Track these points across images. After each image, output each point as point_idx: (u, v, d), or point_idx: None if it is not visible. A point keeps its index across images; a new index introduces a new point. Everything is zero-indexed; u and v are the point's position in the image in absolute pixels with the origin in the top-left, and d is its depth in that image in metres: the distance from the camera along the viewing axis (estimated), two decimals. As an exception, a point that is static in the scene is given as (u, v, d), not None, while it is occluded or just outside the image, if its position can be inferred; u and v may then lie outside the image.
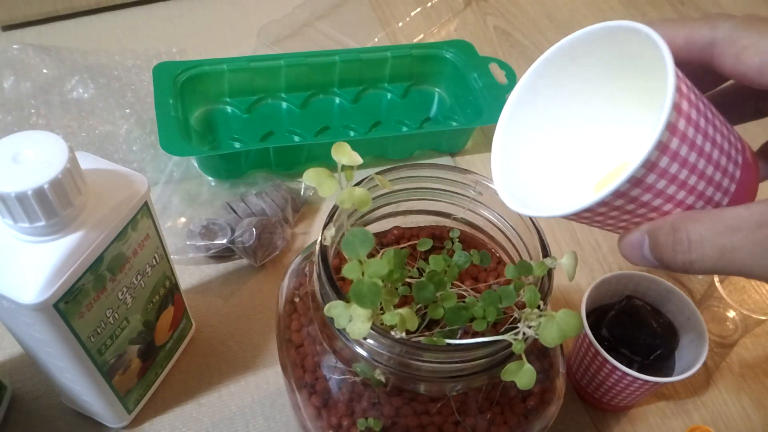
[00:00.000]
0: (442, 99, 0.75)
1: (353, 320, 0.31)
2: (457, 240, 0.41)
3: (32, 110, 0.66)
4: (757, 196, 0.29)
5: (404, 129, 0.71)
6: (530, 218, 0.36)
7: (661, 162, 0.24)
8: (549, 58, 0.30)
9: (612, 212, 0.26)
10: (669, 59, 0.24)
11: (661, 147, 0.24)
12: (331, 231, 0.34)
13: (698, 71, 0.29)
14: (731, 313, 0.57)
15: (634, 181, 0.25)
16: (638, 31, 0.26)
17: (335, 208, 0.35)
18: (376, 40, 0.81)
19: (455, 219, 0.41)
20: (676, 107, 0.24)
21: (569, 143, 0.32)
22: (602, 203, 0.25)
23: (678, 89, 0.24)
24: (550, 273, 0.34)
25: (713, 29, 0.27)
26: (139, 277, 0.41)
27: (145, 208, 0.40)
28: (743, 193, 0.28)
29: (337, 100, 0.73)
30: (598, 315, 0.50)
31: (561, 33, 0.33)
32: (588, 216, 0.27)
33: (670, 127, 0.24)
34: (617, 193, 0.25)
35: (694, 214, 0.26)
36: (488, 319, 0.34)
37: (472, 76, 0.70)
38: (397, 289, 0.35)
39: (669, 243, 0.26)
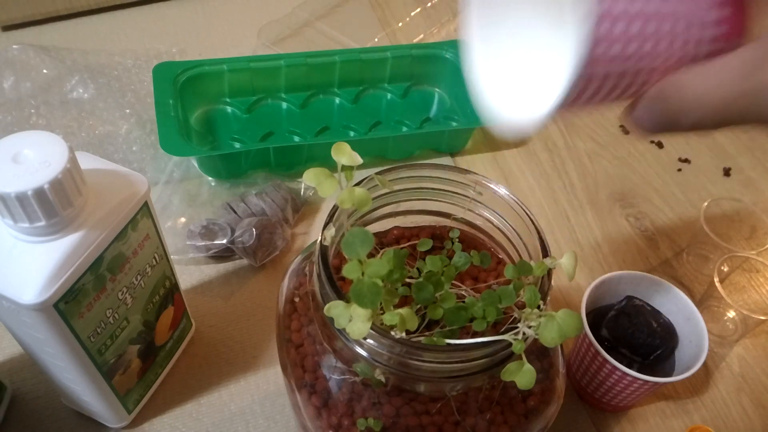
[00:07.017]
0: (442, 99, 0.75)
1: (353, 320, 0.31)
2: (457, 240, 0.41)
3: (32, 110, 0.66)
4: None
5: (404, 129, 0.71)
6: (530, 218, 0.36)
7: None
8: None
9: (599, 84, 0.25)
10: None
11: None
12: (331, 231, 0.34)
13: None
14: (731, 313, 0.57)
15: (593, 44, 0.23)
16: None
17: (335, 208, 0.35)
18: (376, 40, 0.81)
19: (455, 219, 0.41)
20: None
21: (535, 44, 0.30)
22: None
23: None
24: (549, 273, 0.34)
25: None
26: (139, 277, 0.41)
27: (145, 208, 0.40)
28: (736, 29, 0.26)
29: (337, 100, 0.72)
30: (598, 315, 0.50)
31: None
32: (582, 92, 0.25)
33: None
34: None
35: (680, 75, 0.25)
36: (488, 319, 0.34)
37: (472, 76, 0.70)
38: (397, 289, 0.35)
39: (669, 110, 0.26)
